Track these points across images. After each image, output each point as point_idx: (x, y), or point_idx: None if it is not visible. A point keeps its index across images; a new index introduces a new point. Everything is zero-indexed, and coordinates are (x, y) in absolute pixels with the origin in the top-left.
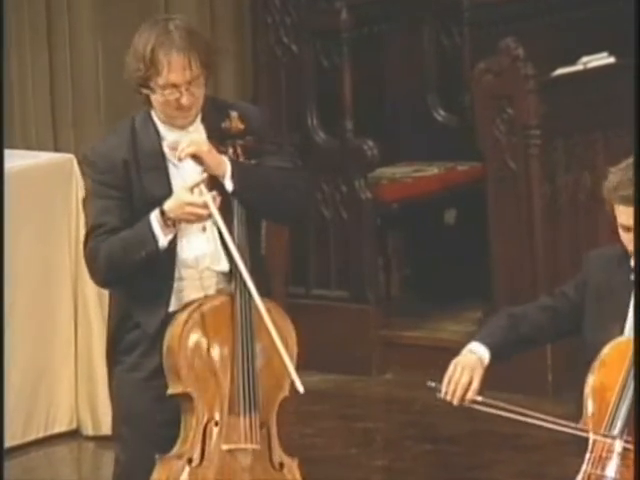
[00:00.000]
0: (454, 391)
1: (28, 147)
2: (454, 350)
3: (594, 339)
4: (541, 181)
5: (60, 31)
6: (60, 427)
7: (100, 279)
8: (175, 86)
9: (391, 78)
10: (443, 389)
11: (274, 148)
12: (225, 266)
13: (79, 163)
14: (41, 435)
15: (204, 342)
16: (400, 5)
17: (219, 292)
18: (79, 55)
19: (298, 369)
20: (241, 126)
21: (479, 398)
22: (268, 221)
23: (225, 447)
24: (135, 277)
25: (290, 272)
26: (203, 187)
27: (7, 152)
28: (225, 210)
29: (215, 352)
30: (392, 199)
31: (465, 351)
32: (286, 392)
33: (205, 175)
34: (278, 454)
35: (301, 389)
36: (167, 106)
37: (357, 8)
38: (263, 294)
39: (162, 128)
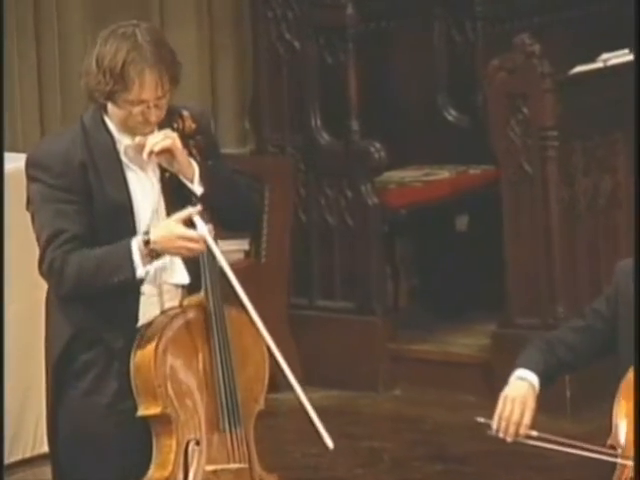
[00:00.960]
0: (506, 427)
1: (14, 149)
2: (466, 365)
3: (629, 355)
4: (558, 185)
5: (48, 25)
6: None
7: (64, 293)
8: (144, 102)
9: (399, 76)
10: (494, 425)
11: (219, 150)
12: (184, 278)
13: (25, 167)
14: (28, 455)
15: (179, 357)
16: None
17: (187, 303)
18: (68, 50)
19: (301, 384)
20: (193, 125)
21: (533, 433)
22: (228, 228)
23: (209, 468)
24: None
25: (292, 282)
26: (199, 219)
27: None
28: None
29: (192, 367)
30: (400, 205)
31: (513, 380)
32: (262, 405)
33: (199, 207)
34: (258, 471)
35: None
36: (131, 119)
37: (363, 2)
38: (222, 301)
39: (115, 131)
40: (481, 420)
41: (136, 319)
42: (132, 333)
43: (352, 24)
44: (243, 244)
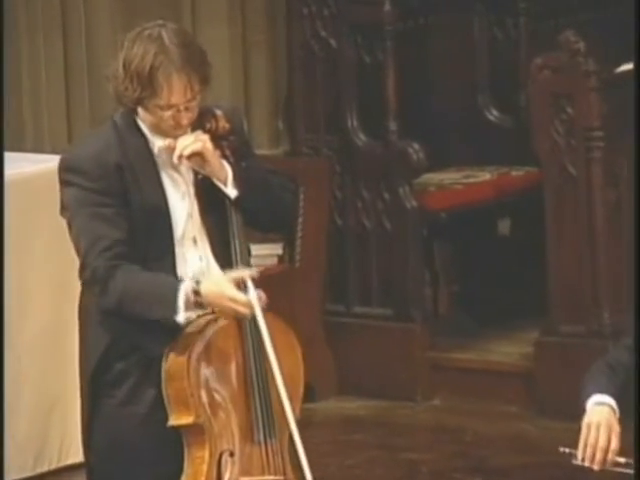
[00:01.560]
0: (593, 455)
1: (40, 150)
2: (507, 374)
3: None
4: (603, 187)
5: (76, 23)
6: (73, 459)
7: (105, 306)
8: (173, 106)
9: (439, 75)
10: (580, 454)
11: (252, 150)
12: None
13: (59, 172)
14: (53, 467)
15: (213, 365)
16: None
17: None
18: (96, 49)
19: (336, 394)
20: (227, 125)
21: (622, 460)
22: (261, 230)
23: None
24: None
25: (328, 288)
26: (250, 283)
27: (15, 156)
28: (221, 221)
29: (226, 375)
30: (440, 208)
31: (591, 406)
32: (297, 415)
33: (255, 271)
34: None
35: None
36: (162, 123)
37: (401, 0)
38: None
39: (148, 132)
40: (565, 450)
41: (175, 327)
42: (170, 340)
43: (390, 21)
44: (276, 248)
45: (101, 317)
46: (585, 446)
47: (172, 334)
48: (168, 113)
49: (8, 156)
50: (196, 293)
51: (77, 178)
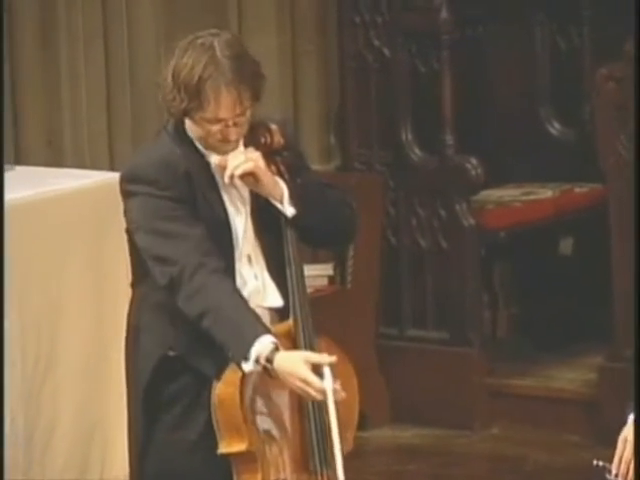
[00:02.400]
0: (627, 471)
1: (80, 165)
2: (570, 401)
3: None
4: None
5: (118, 32)
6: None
7: (186, 311)
8: (221, 120)
9: (498, 86)
10: (614, 469)
11: (307, 163)
12: (277, 301)
13: (122, 184)
14: None
15: (266, 391)
16: (509, 2)
17: (274, 331)
18: (139, 58)
19: (390, 422)
20: (282, 140)
21: None
22: (320, 247)
23: None
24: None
25: (381, 310)
26: (328, 370)
27: (56, 171)
28: (276, 239)
29: (280, 402)
30: (499, 226)
31: (631, 420)
32: (350, 445)
33: (334, 358)
34: None
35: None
36: (210, 137)
37: (459, 6)
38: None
39: (201, 147)
40: (600, 463)
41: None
42: (225, 361)
43: (446, 29)
44: (327, 268)
45: (154, 328)
46: (620, 462)
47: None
48: (216, 127)
49: (47, 172)
50: (269, 360)
51: (145, 188)
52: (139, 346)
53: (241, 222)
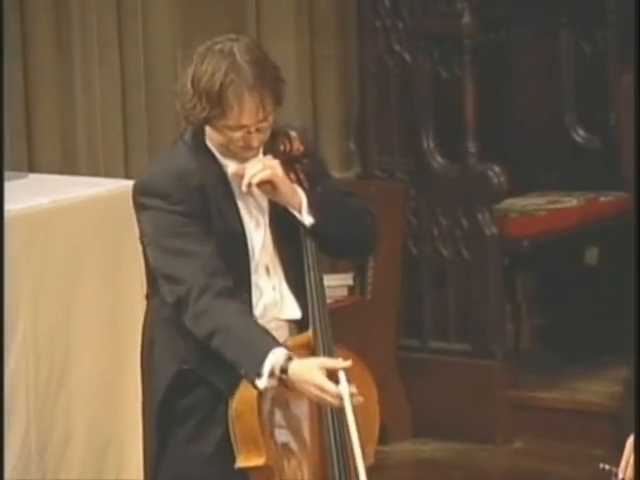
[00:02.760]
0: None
1: (95, 173)
2: (595, 414)
3: None
4: None
5: (133, 36)
6: None
7: (194, 331)
8: (244, 127)
9: (522, 92)
10: (620, 474)
11: (327, 171)
12: (295, 313)
13: (135, 196)
14: None
15: (285, 403)
16: (533, 5)
17: (292, 343)
18: (155, 64)
19: (411, 435)
20: (301, 148)
21: None
22: (340, 257)
23: None
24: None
25: (401, 321)
26: (343, 375)
27: (70, 179)
28: (295, 249)
29: (298, 415)
30: (522, 235)
31: None
32: (371, 459)
33: (349, 363)
34: None
35: None
36: (231, 145)
37: (482, 9)
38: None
39: (220, 156)
40: (606, 467)
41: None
42: (239, 376)
43: (469, 34)
44: (347, 279)
45: (170, 343)
46: (627, 466)
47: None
48: (238, 134)
49: (60, 180)
50: (284, 371)
51: (157, 202)
52: (153, 359)
53: (259, 232)
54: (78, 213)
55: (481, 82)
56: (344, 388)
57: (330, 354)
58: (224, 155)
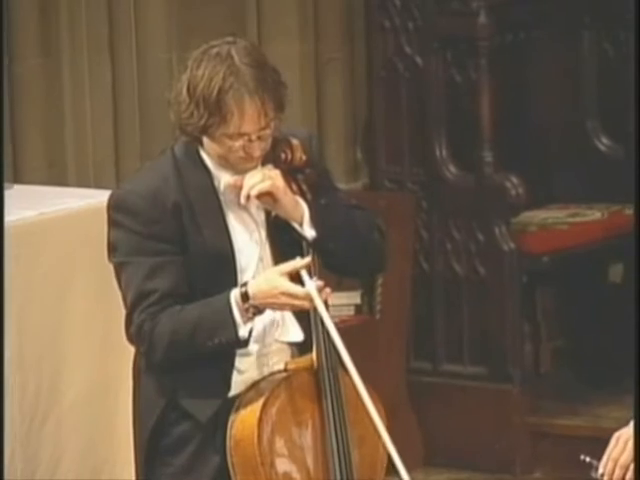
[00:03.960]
0: (612, 470)
1: (84, 184)
2: None
3: None
4: None
5: (125, 40)
6: None
7: (157, 360)
8: (245, 134)
9: (541, 97)
10: (601, 467)
11: (333, 182)
12: (297, 336)
13: (108, 209)
14: None
15: (286, 430)
16: (553, 4)
17: (294, 366)
18: (148, 70)
19: (423, 465)
20: (304, 157)
21: None
22: (345, 275)
23: None
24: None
25: (412, 342)
26: (305, 272)
27: (58, 190)
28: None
29: (301, 442)
30: (542, 251)
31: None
32: None
33: (308, 259)
34: None
35: None
36: (231, 155)
37: (499, 9)
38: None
39: (212, 165)
40: (587, 459)
41: (227, 387)
42: (222, 404)
43: (485, 35)
44: (354, 297)
45: (156, 377)
46: (608, 459)
47: (221, 394)
48: (238, 143)
49: (48, 191)
50: (245, 297)
51: (128, 219)
52: (142, 391)
53: (254, 247)
54: (67, 226)
55: (498, 86)
56: (310, 287)
57: (335, 378)
58: (222, 167)
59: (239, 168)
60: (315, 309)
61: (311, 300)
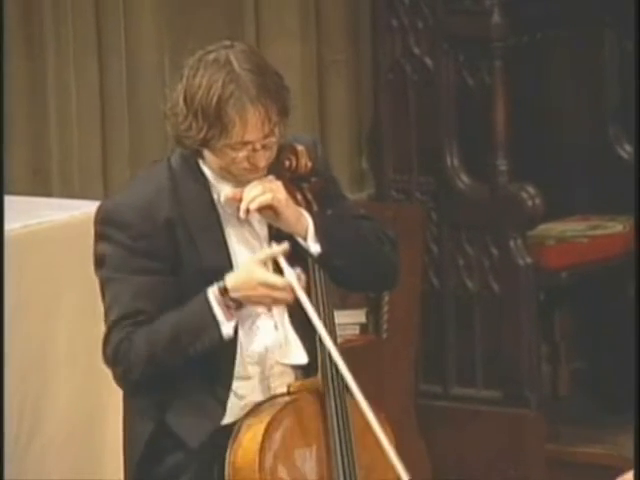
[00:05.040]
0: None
1: (70, 195)
2: None
3: None
4: None
5: (114, 43)
6: None
7: (134, 377)
8: (249, 144)
9: (559, 102)
10: None
11: (341, 190)
12: (301, 358)
13: (95, 222)
14: None
15: (289, 457)
16: (571, 3)
17: (298, 388)
18: (138, 74)
19: None
20: (309, 164)
21: None
22: (353, 290)
23: None
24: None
25: (421, 364)
26: (283, 261)
27: (40, 202)
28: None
29: (305, 470)
30: (561, 266)
31: None
32: None
33: (286, 245)
34: None
35: None
36: (234, 167)
37: (514, 8)
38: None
39: (212, 177)
40: None
41: (222, 410)
42: (219, 430)
43: (499, 35)
44: (359, 315)
45: (141, 399)
46: None
47: (214, 420)
48: (242, 154)
49: (31, 202)
50: (224, 291)
51: (117, 233)
52: (128, 416)
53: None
54: (52, 240)
55: (513, 90)
56: (290, 275)
57: (342, 402)
58: (223, 179)
59: (243, 180)
60: (297, 301)
61: (292, 290)
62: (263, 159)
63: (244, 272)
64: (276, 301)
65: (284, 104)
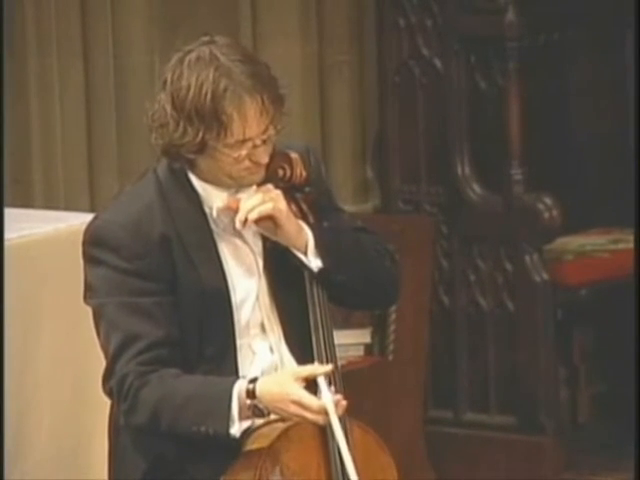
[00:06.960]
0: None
1: (53, 206)
2: None
3: None
4: None
5: (100, 43)
6: None
7: (135, 423)
8: (249, 140)
9: (578, 107)
10: None
11: (336, 202)
12: None
13: (84, 245)
14: None
15: None
16: (591, 1)
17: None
18: (126, 76)
19: None
20: (304, 173)
21: None
22: (353, 308)
23: None
24: None
25: (430, 387)
26: (323, 382)
27: (21, 213)
28: (297, 300)
29: None
30: (580, 282)
31: None
32: None
33: (330, 367)
34: None
35: None
36: (234, 169)
37: (529, 6)
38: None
39: (201, 188)
40: None
41: (230, 446)
42: (221, 462)
43: (514, 35)
44: (363, 335)
45: (137, 435)
46: None
47: (226, 454)
48: (243, 152)
49: (11, 213)
50: (251, 394)
51: (108, 255)
52: (120, 451)
53: (251, 282)
54: (34, 254)
55: (528, 94)
56: (327, 399)
57: (344, 429)
58: (219, 187)
59: (244, 183)
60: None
61: (326, 416)
62: (265, 154)
63: (278, 385)
64: (304, 421)
65: (278, 93)
